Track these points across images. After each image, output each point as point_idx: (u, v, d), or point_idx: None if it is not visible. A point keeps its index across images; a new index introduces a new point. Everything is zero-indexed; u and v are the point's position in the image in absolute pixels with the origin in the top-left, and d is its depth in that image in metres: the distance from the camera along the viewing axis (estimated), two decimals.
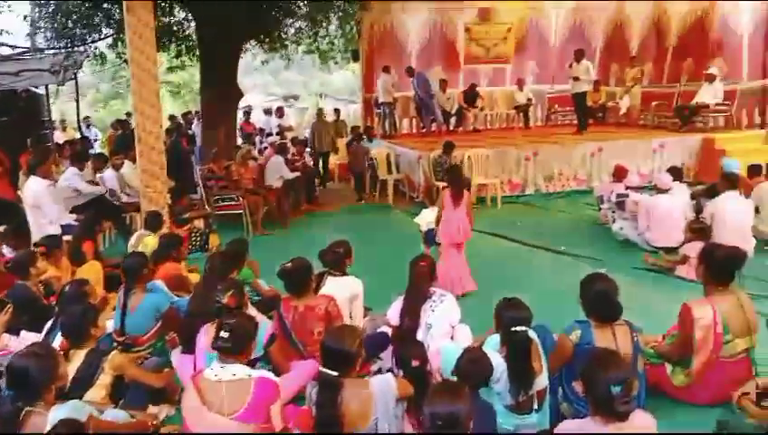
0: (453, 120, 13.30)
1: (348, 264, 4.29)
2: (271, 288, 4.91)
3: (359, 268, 4.46)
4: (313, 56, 17.70)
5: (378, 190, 10.10)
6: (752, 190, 6.73)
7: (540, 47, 14.77)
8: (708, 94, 11.09)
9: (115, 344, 3.81)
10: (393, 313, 3.78)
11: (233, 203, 8.14)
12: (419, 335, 3.56)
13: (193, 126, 13.52)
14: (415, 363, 2.93)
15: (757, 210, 6.29)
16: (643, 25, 14.19)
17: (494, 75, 14.63)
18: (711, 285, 2.98)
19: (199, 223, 7.30)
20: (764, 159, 9.47)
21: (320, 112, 14.70)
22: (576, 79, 11.16)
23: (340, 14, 14.77)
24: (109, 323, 4.02)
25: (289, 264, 3.70)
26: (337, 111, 15.65)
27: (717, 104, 11.14)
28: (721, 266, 2.96)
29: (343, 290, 4.09)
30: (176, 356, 3.80)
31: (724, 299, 2.91)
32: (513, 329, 2.76)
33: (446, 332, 3.59)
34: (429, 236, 6.13)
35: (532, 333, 2.84)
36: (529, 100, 13.76)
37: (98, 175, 7.97)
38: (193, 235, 7.14)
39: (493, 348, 2.93)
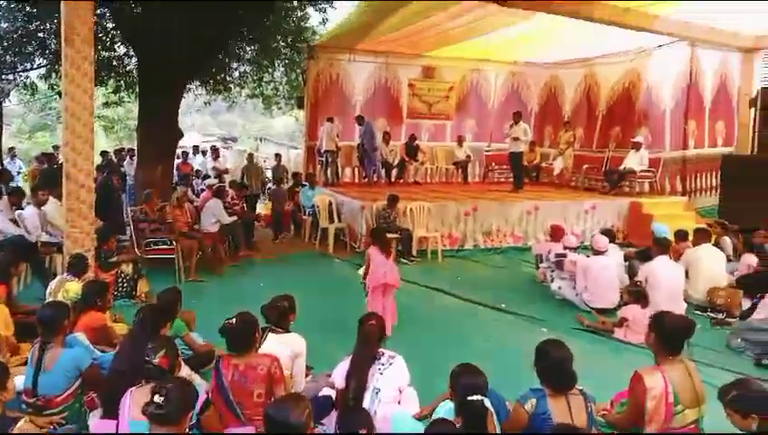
0: (394, 171, 13.43)
1: (291, 320, 4.07)
2: (206, 343, 4.59)
3: (299, 322, 4.25)
4: (256, 100, 17.63)
5: (318, 238, 9.93)
6: (679, 255, 7.06)
7: (479, 107, 15.35)
8: (635, 161, 11.76)
9: (24, 407, 3.40)
10: (338, 374, 3.58)
11: (165, 247, 7.73)
12: (366, 400, 3.37)
13: (125, 164, 12.97)
14: (362, 432, 2.74)
15: (686, 274, 6.55)
16: (575, 92, 15.04)
17: (435, 131, 15.01)
18: (661, 353, 3.00)
19: (127, 267, 6.84)
20: (686, 224, 10.09)
21: (250, 156, 14.63)
22: (515, 139, 11.58)
23: (287, 61, 14.86)
24: (18, 381, 3.59)
25: (233, 320, 3.45)
26: (278, 155, 15.49)
27: (643, 171, 11.81)
28: (672, 335, 2.98)
29: (285, 347, 3.86)
30: (94, 421, 3.42)
31: (673, 368, 2.93)
32: (469, 398, 2.64)
33: (394, 397, 3.42)
34: None
35: (487, 402, 2.73)
36: (468, 156, 14.14)
37: (16, 211, 7.39)
38: (120, 280, 6.69)
39: (446, 415, 2.80)
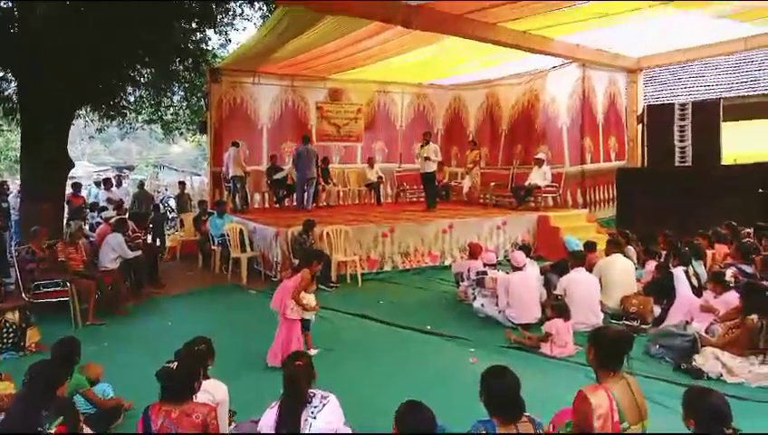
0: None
1: (210, 364, 3.69)
2: (112, 397, 4.08)
3: (216, 365, 3.87)
4: (154, 125, 16.72)
5: (230, 269, 9.41)
6: (591, 266, 7.31)
7: (388, 128, 15.47)
8: (539, 177, 12.24)
9: None
10: (266, 423, 3.25)
11: (58, 289, 6.97)
12: None
13: (9, 198, 11.74)
14: None
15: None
16: (478, 112, 15.56)
17: (345, 153, 14.92)
18: (603, 370, 2.96)
19: (13, 315, 6.06)
20: (589, 234, 10.60)
21: (141, 184, 13.86)
22: (426, 159, 11.69)
23: (187, 84, 14.22)
24: None
25: (173, 362, 3.05)
26: (182, 183, 14.71)
27: (547, 186, 12.32)
28: (612, 351, 2.96)
29: (205, 396, 3.48)
30: None
31: (616, 385, 2.89)
32: None
33: None
34: (308, 324, 5.72)
35: None
36: (380, 177, 14.15)
37: None
38: (5, 330, 5.90)
39: None
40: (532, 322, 6.42)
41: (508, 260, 8.12)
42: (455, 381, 4.87)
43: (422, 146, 11.95)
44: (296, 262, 8.27)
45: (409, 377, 5.13)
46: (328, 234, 9.07)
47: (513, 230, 11.09)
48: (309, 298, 5.68)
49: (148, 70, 12.12)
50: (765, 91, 14.87)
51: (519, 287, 6.49)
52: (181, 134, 18.18)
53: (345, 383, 4.97)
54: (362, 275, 9.12)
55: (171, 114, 15.89)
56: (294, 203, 12.74)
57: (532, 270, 7.08)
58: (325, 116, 14.57)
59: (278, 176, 12.86)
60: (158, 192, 19.25)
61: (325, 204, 13.28)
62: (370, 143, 15.17)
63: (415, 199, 14.17)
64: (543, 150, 13.03)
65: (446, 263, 10.07)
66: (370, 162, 14.27)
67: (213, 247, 10.11)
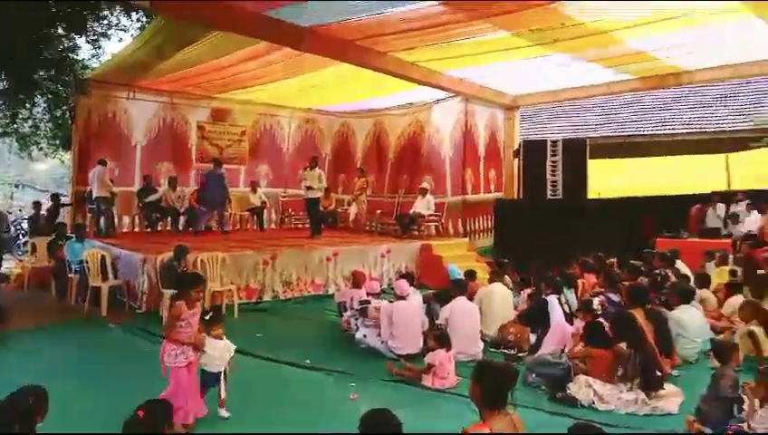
0: (182, 219, 12.32)
1: (39, 421, 3.07)
2: None
3: (63, 417, 3.26)
4: (9, 139, 15.04)
5: (88, 300, 8.42)
6: (471, 294, 7.37)
7: (274, 152, 15.05)
8: (422, 206, 12.42)
9: None
10: None
11: None
12: None
13: None
14: None
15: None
16: (366, 140, 15.62)
17: (227, 176, 14.21)
18: (487, 407, 2.81)
19: None
20: (470, 263, 10.84)
21: None
22: (309, 187, 11.42)
23: (50, 95, 12.94)
24: None
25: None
26: (37, 204, 13.19)
27: (430, 215, 12.52)
28: (497, 387, 2.82)
29: None
30: None
31: (500, 423, 2.76)
32: None
33: None
34: (212, 379, 4.69)
35: None
36: (263, 202, 13.65)
37: None
38: None
39: None
40: (414, 352, 6.29)
41: (392, 289, 7.99)
42: (336, 420, 4.57)
43: (306, 171, 11.68)
44: (167, 292, 7.62)
45: (287, 416, 4.74)
46: (203, 261, 8.44)
47: (398, 258, 11.07)
48: (214, 345, 4.54)
49: (3, 77, 10.85)
50: (625, 133, 16.38)
51: (402, 317, 6.35)
52: (41, 149, 16.45)
53: (218, 425, 4.50)
54: (239, 305, 8.56)
55: (30, 127, 14.34)
56: (168, 227, 11.90)
57: (416, 299, 7.00)
58: (207, 136, 13.87)
59: (151, 198, 11.95)
60: (11, 212, 17.21)
61: (203, 228, 12.50)
62: (255, 167, 14.66)
63: (300, 226, 13.80)
64: (428, 180, 13.28)
65: (330, 292, 9.78)
66: (253, 186, 13.74)
67: (70, 276, 9.03)
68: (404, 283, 6.79)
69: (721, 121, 16.24)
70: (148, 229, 12.09)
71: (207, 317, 4.61)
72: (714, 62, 10.66)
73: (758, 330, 6.03)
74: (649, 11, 7.61)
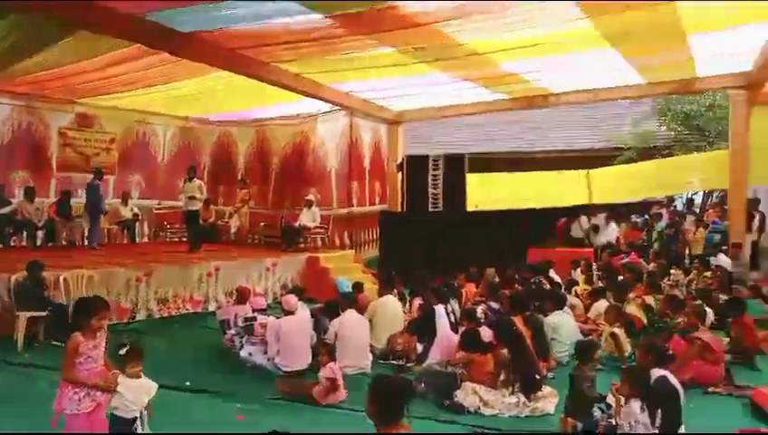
0: (41, 234, 11.15)
1: None
2: None
3: None
4: None
5: None
6: (360, 307, 7.35)
7: (147, 161, 14.17)
8: (308, 218, 12.29)
9: None
10: None
11: None
12: None
13: None
14: None
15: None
16: (248, 151, 15.17)
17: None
18: (383, 423, 2.76)
19: None
20: (356, 275, 10.87)
21: None
22: (190, 197, 10.85)
23: None
24: None
25: None
26: None
27: (316, 227, 12.41)
28: (393, 403, 2.78)
29: None
30: None
31: None
32: None
33: None
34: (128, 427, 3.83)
35: None
36: (136, 215, 12.75)
37: None
38: None
39: None
40: (303, 368, 6.12)
41: (278, 303, 7.76)
42: None
43: (185, 182, 11.08)
44: (22, 314, 6.85)
45: None
46: (65, 279, 7.65)
47: (284, 272, 10.84)
48: (128, 385, 3.73)
49: None
50: (500, 150, 17.41)
51: (290, 333, 6.16)
52: None
53: None
54: (109, 326, 7.82)
55: None
56: (24, 243, 10.71)
57: (304, 313, 6.84)
58: (70, 144, 12.72)
59: (3, 211, 10.70)
60: None
61: (66, 243, 11.41)
62: (126, 177, 13.67)
63: (177, 240, 13.05)
64: (313, 192, 13.17)
65: (211, 309, 9.32)
66: (124, 198, 12.79)
67: None
68: (292, 298, 6.61)
69: (584, 140, 17.81)
70: (0, 245, 10.80)
71: (123, 352, 3.79)
72: (577, 86, 11.64)
73: (620, 332, 6.59)
74: (518, 36, 8.11)
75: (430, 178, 13.44)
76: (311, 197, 12.68)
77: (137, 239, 12.75)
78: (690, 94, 14.81)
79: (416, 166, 13.60)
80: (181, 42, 8.04)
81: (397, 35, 7.97)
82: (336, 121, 13.44)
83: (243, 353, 6.52)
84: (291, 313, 6.38)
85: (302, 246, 12.31)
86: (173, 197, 13.58)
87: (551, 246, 12.17)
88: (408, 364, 6.46)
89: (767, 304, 7.53)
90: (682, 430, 4.53)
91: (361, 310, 6.94)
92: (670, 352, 4.79)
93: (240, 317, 6.92)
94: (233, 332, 6.95)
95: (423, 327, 6.78)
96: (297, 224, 12.31)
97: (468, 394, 5.26)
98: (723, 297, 7.88)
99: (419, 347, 6.68)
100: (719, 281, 8.70)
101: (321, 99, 11.70)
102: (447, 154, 14.07)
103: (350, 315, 6.37)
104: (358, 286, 8.14)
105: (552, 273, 9.34)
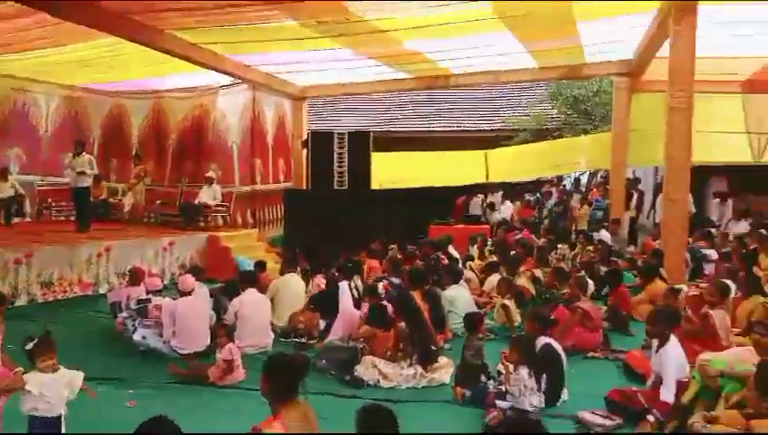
0: None
1: None
2: None
3: None
4: None
5: None
6: (261, 286, 7.26)
7: (27, 133, 12.99)
8: (208, 195, 11.86)
9: None
10: None
11: None
12: None
13: None
14: None
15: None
16: (144, 124, 14.33)
17: None
18: (278, 401, 2.76)
19: None
20: (260, 254, 10.70)
21: None
22: (80, 173, 10.10)
23: None
24: None
25: None
26: None
27: (217, 205, 12.01)
28: (287, 379, 2.79)
29: None
30: None
31: (292, 413, 2.73)
32: None
33: None
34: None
35: None
36: (18, 192, 11.68)
37: None
38: None
39: None
40: (200, 349, 5.96)
41: (176, 284, 7.47)
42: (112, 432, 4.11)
43: (74, 157, 10.31)
44: None
45: None
46: None
47: (182, 252, 10.44)
48: (40, 381, 3.40)
49: None
50: (404, 129, 17.65)
51: (186, 314, 5.96)
52: None
53: None
54: None
55: None
56: None
57: (202, 294, 6.64)
58: None
59: None
60: None
61: None
62: (2, 151, 12.46)
63: (63, 218, 12.14)
64: (214, 169, 12.72)
65: (102, 291, 8.82)
66: (3, 173, 11.67)
67: None
68: (188, 278, 6.39)
69: (482, 122, 18.48)
70: None
71: (30, 346, 3.44)
72: (476, 68, 12.01)
73: (510, 303, 6.98)
74: (420, 15, 8.21)
75: (335, 155, 13.40)
76: (211, 173, 12.23)
77: (15, 219, 11.69)
78: (579, 80, 15.78)
79: (321, 143, 13.50)
80: (63, 2, 7.40)
81: (299, 8, 7.82)
82: (238, 95, 13.00)
83: (136, 337, 6.23)
84: (187, 293, 6.17)
85: (202, 224, 11.88)
86: (58, 172, 12.60)
87: (451, 224, 12.61)
88: (311, 341, 6.48)
89: (640, 275, 8.24)
90: (565, 393, 4.92)
91: (263, 289, 6.85)
92: (553, 318, 5.16)
93: (133, 299, 6.60)
94: (125, 314, 6.61)
95: (326, 304, 6.81)
96: (197, 202, 11.84)
97: (368, 368, 5.37)
98: (603, 269, 8.53)
99: (322, 324, 6.71)
100: (600, 254, 9.40)
101: (220, 71, 11.27)
102: (352, 132, 14.09)
103: (251, 295, 6.26)
104: (260, 265, 8.02)
105: (450, 248, 9.68)
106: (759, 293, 6.38)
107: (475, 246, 10.55)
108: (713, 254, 9.42)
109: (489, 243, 10.69)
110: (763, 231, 11.03)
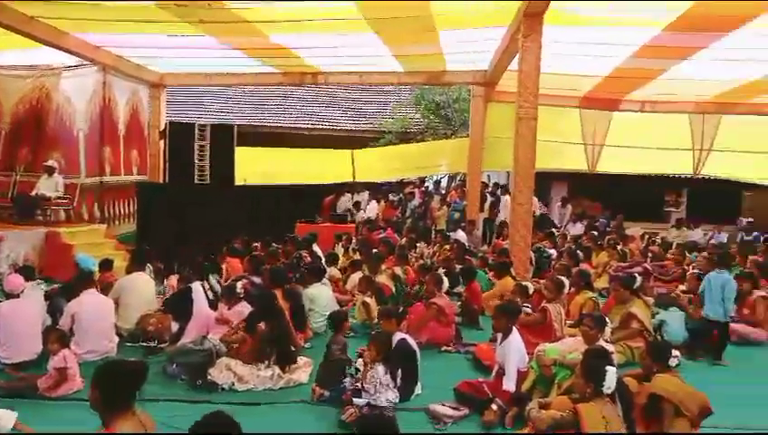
0: None
1: None
2: None
3: None
4: None
5: None
6: (106, 286, 6.70)
7: None
8: (48, 186, 10.71)
9: None
10: None
11: None
12: None
13: None
14: None
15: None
16: None
17: None
18: (110, 412, 2.51)
19: None
20: (107, 252, 9.89)
21: None
22: None
23: None
24: None
25: None
26: None
27: (58, 197, 10.87)
28: (120, 388, 2.54)
29: None
30: None
31: (127, 424, 2.50)
32: None
33: None
34: None
35: None
36: None
37: None
38: None
39: None
40: (31, 358, 5.33)
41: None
42: None
43: None
44: None
45: None
46: None
47: (15, 248, 9.31)
48: None
49: None
50: (271, 124, 17.28)
51: (12, 319, 5.30)
52: None
53: None
54: None
55: None
56: None
57: (35, 296, 5.96)
58: None
59: None
60: None
61: None
62: None
63: None
64: (56, 157, 11.45)
65: None
66: None
67: None
68: (17, 278, 5.69)
69: (349, 121, 18.69)
70: None
71: None
72: (344, 68, 12.08)
73: (371, 300, 7.10)
74: (284, 8, 8.06)
75: (196, 148, 12.77)
76: (52, 163, 11.01)
77: None
78: (441, 86, 16.54)
79: (181, 134, 12.78)
80: None
81: None
82: (85, 78, 11.82)
83: None
84: (14, 296, 5.49)
85: (41, 219, 10.68)
86: None
87: (317, 222, 12.57)
88: (161, 345, 6.09)
89: (490, 272, 8.81)
90: (418, 387, 5.10)
91: (106, 290, 6.31)
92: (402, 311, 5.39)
93: None
94: None
95: (179, 305, 6.43)
96: (34, 193, 10.62)
97: (222, 371, 5.16)
98: (458, 267, 8.98)
99: (174, 326, 6.33)
100: (456, 253, 9.88)
101: (64, 50, 10.21)
102: (215, 124, 13.52)
103: (90, 296, 5.72)
104: (105, 264, 7.40)
105: (315, 247, 9.64)
106: (589, 288, 7.11)
107: (340, 244, 10.62)
108: (554, 253, 10.34)
109: (354, 241, 10.81)
110: (594, 232, 12.36)
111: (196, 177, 12.63)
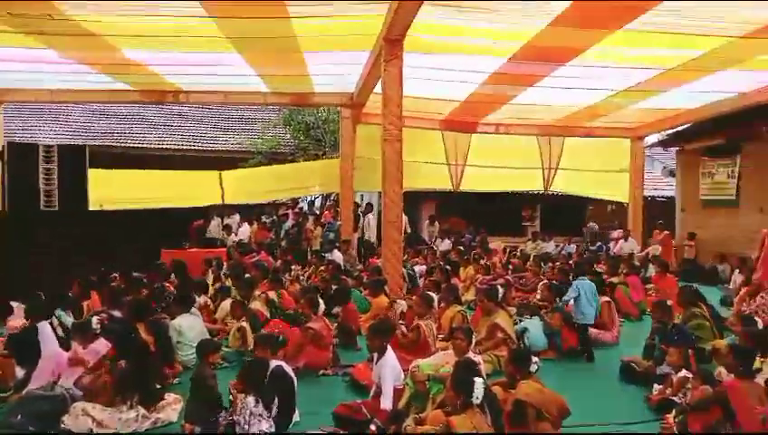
0: None
1: None
2: None
3: None
4: None
5: None
6: None
7: None
8: None
9: None
10: None
11: None
12: None
13: None
14: None
15: None
16: None
17: None
18: None
19: None
20: None
21: None
22: None
23: None
24: None
25: None
26: None
27: None
28: None
29: None
30: None
31: None
32: None
33: None
34: None
35: None
36: None
37: None
38: None
39: None
40: None
41: None
42: None
43: None
44: None
45: None
46: None
47: None
48: None
49: None
50: (129, 145, 16.20)
51: None
52: None
53: None
54: None
55: None
56: None
57: None
58: None
59: None
60: None
61: None
62: None
63: None
64: None
65: None
66: None
67: None
68: None
69: (215, 141, 18.09)
70: None
71: None
72: (207, 87, 11.69)
73: (247, 326, 6.85)
74: (138, 23, 7.62)
75: (42, 171, 11.57)
76: None
77: None
78: (309, 107, 16.62)
79: (22, 156, 11.50)
80: None
81: None
82: None
83: None
84: None
85: None
86: None
87: (185, 248, 11.94)
88: (4, 395, 5.39)
89: (365, 291, 8.92)
90: (296, 414, 4.98)
91: None
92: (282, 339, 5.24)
93: None
94: None
95: (23, 348, 5.75)
96: None
97: (78, 417, 4.67)
98: (334, 287, 8.98)
99: (20, 372, 5.63)
100: (331, 273, 9.89)
101: None
102: (64, 144, 12.39)
103: None
104: None
105: (185, 273, 9.15)
106: (458, 302, 7.45)
107: (210, 270, 10.15)
108: (424, 269, 10.73)
109: (225, 266, 10.39)
110: (461, 248, 13.03)
111: (42, 202, 11.43)
